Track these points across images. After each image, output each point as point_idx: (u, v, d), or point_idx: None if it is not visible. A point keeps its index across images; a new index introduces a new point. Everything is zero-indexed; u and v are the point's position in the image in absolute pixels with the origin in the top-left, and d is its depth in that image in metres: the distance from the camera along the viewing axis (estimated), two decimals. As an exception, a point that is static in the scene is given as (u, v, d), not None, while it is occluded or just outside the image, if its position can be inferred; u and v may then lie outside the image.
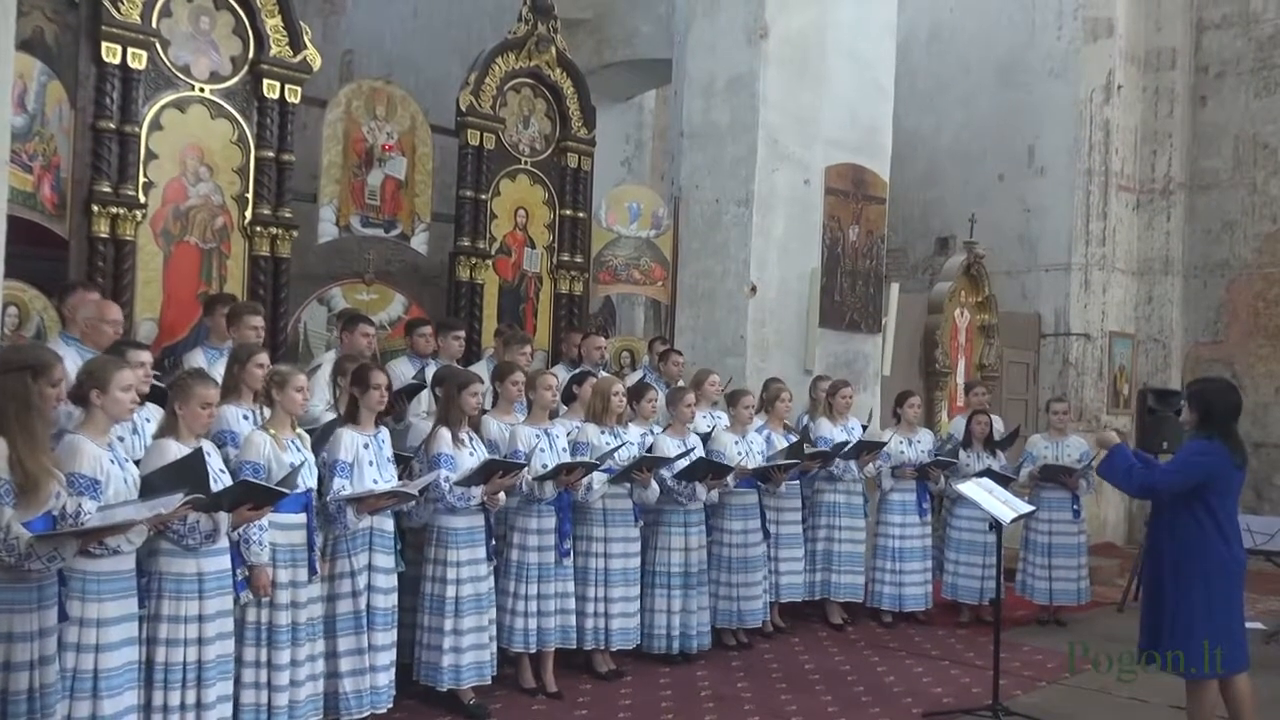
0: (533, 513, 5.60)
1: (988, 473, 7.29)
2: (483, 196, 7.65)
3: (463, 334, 6.79)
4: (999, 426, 8.23)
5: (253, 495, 4.06)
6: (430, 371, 6.13)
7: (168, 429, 4.06)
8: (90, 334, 4.84)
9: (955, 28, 12.06)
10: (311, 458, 4.61)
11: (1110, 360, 11.50)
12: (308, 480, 4.52)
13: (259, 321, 5.55)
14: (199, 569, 3.98)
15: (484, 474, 5.11)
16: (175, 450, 3.93)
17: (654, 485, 5.99)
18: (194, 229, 6.33)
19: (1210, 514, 4.57)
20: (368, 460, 4.78)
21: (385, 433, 5.00)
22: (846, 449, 7.17)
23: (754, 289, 8.25)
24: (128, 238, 5.99)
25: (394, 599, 4.90)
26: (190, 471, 3.74)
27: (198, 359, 5.45)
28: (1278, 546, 7.59)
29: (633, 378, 7.29)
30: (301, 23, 6.69)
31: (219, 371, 5.06)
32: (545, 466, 5.50)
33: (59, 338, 4.92)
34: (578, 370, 6.81)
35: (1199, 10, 11.77)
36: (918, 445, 7.67)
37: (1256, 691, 4.74)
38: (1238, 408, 4.75)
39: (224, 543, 4.08)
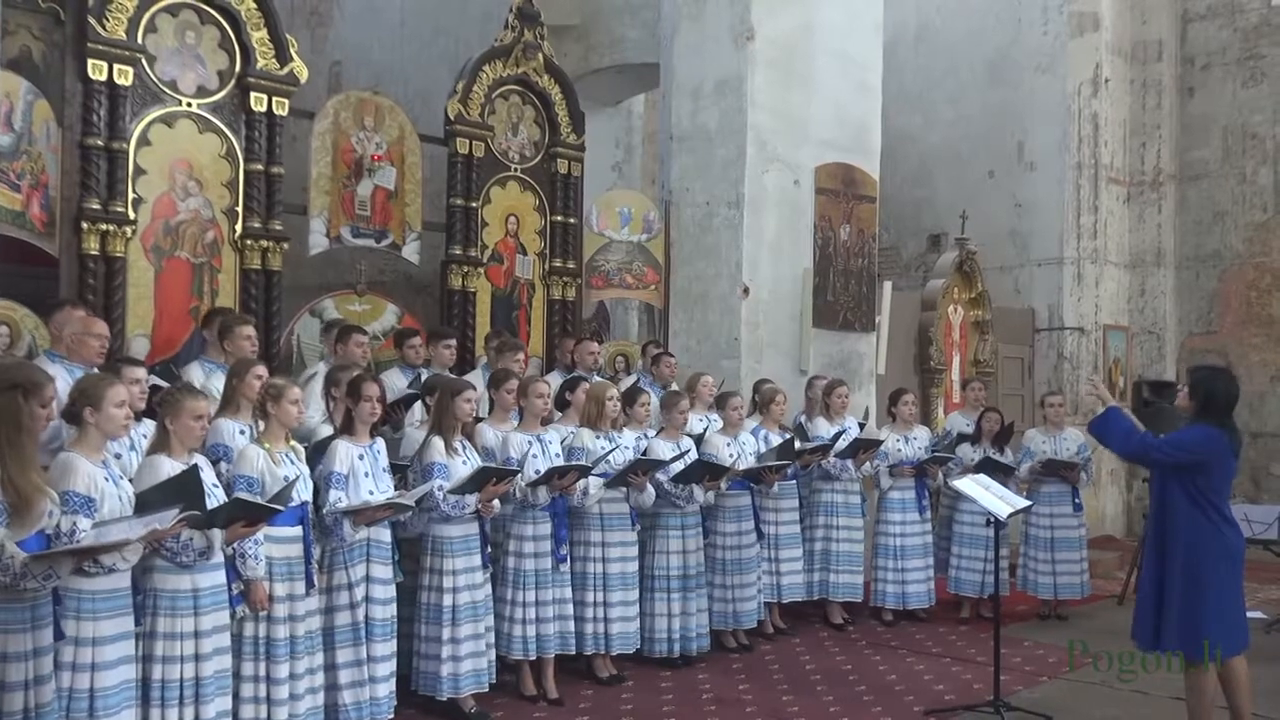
0: (529, 519, 5.60)
1: (986, 462, 7.31)
2: (473, 204, 7.65)
3: (454, 343, 6.78)
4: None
5: (246, 512, 4.04)
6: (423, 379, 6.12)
7: (159, 445, 4.04)
8: (76, 349, 4.82)
9: (942, 26, 12.08)
10: (306, 471, 4.60)
11: (1105, 353, 11.52)
12: (303, 493, 4.52)
13: (250, 331, 5.54)
14: (194, 585, 3.97)
15: (477, 482, 5.10)
16: (167, 466, 3.93)
17: (649, 488, 5.99)
18: (184, 244, 6.32)
19: (1210, 502, 4.59)
20: (363, 471, 4.77)
21: (380, 443, 4.99)
22: (843, 448, 7.17)
23: (747, 290, 8.26)
24: (118, 254, 5.99)
25: (392, 609, 4.89)
26: (186, 488, 3.72)
27: (195, 373, 5.45)
28: (1275, 535, 7.60)
29: (627, 382, 7.29)
30: (288, 35, 6.68)
31: (217, 385, 5.06)
32: (539, 473, 5.50)
33: (44, 355, 4.91)
34: (570, 376, 6.81)
35: (1184, 2, 11.80)
36: (914, 443, 7.68)
37: (1256, 679, 4.75)
38: (1237, 396, 4.76)
39: (218, 558, 4.07)
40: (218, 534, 3.99)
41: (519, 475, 5.39)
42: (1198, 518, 4.58)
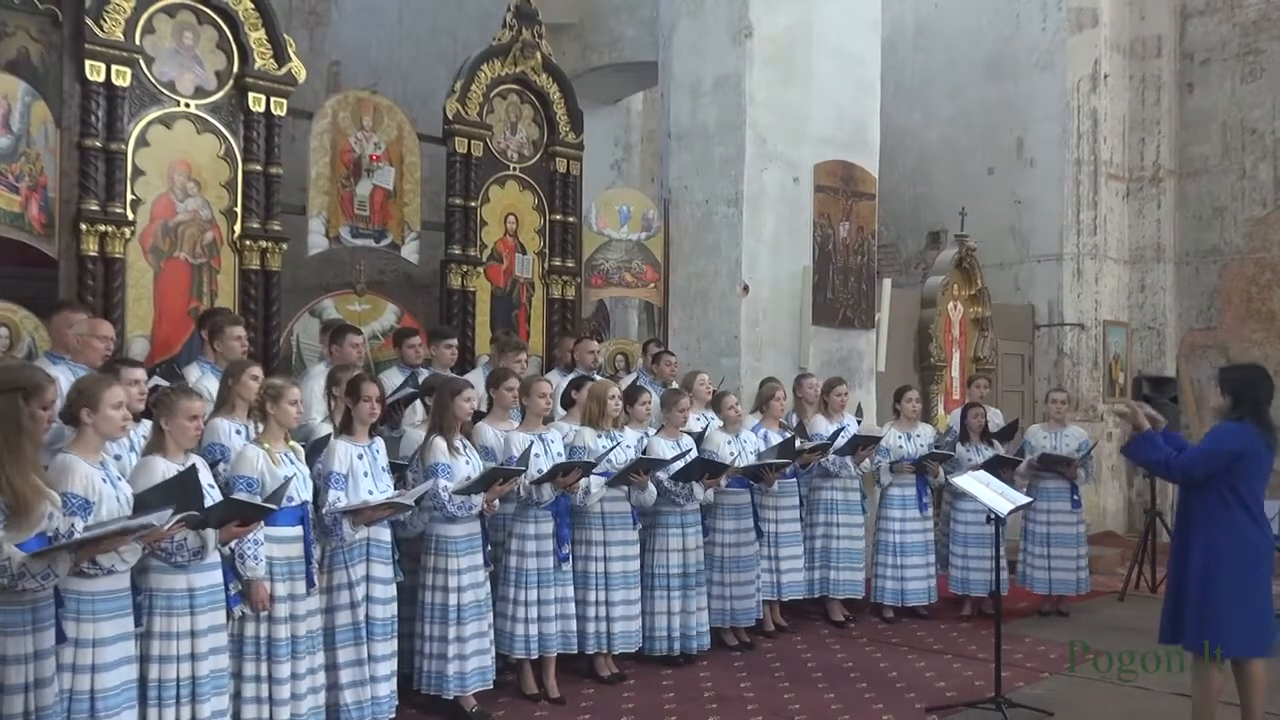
0: (531, 518, 5.59)
1: (996, 459, 7.31)
2: (472, 204, 7.64)
3: (455, 342, 6.78)
4: (997, 419, 8.24)
5: (240, 512, 4.04)
6: (422, 379, 6.11)
7: (155, 445, 4.04)
8: (82, 351, 4.85)
9: (941, 22, 12.08)
10: (306, 470, 4.60)
11: (1105, 349, 11.51)
12: (302, 493, 4.52)
13: (240, 332, 5.55)
14: (189, 585, 3.97)
15: (485, 483, 5.10)
16: (163, 467, 3.92)
17: (651, 487, 5.98)
18: (183, 244, 6.31)
19: (1238, 497, 4.52)
20: (362, 471, 4.77)
21: (380, 443, 4.99)
22: (842, 445, 7.17)
23: (746, 288, 8.26)
24: (117, 255, 5.98)
25: (393, 609, 4.89)
26: (184, 489, 3.72)
27: (192, 374, 5.45)
28: (1276, 530, 7.58)
29: (627, 381, 7.29)
30: (286, 35, 6.67)
31: (211, 386, 5.06)
32: (541, 471, 5.49)
33: (44, 357, 4.91)
34: (575, 375, 6.81)
35: (1183, -3, 11.81)
36: (917, 440, 7.67)
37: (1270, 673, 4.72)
38: (1269, 393, 4.66)
39: (214, 558, 4.06)
40: (212, 534, 3.99)
41: (523, 474, 5.39)
42: (1219, 515, 4.52)
